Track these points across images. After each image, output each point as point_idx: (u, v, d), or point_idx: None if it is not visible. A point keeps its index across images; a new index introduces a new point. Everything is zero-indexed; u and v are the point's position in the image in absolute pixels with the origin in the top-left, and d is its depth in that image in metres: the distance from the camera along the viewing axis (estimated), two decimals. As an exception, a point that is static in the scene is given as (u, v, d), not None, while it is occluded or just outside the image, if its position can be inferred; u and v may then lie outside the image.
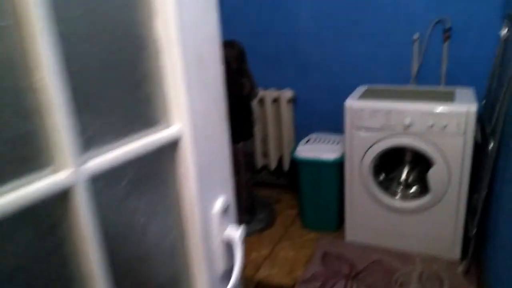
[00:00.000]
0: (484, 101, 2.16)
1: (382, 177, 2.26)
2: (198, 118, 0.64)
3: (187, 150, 0.63)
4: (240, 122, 2.32)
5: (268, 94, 2.68)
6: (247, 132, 2.39)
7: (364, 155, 2.09)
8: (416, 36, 2.30)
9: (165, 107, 0.61)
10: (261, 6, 2.64)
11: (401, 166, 2.33)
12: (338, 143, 2.41)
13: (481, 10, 2.14)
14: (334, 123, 2.55)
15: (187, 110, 0.61)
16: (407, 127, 1.96)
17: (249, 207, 2.49)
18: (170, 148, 0.62)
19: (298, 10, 2.55)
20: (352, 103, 2.07)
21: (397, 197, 2.19)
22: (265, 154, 2.85)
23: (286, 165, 2.83)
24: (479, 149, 1.96)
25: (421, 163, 2.15)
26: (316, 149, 2.37)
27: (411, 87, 2.35)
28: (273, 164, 2.83)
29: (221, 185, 0.73)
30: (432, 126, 1.92)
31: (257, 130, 2.77)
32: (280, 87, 2.73)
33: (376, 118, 2.01)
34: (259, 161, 2.87)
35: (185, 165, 0.64)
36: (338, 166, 2.26)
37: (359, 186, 2.16)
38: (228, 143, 0.74)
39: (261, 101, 2.73)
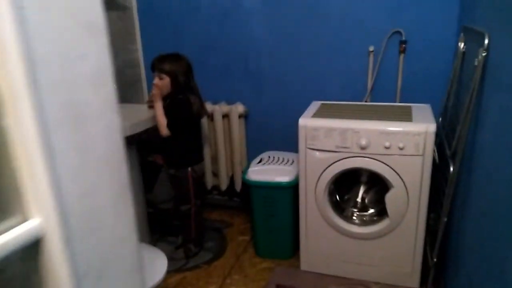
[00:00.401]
0: (440, 119, 2.07)
1: (337, 198, 2.11)
2: (75, 204, 0.42)
3: (55, 254, 0.41)
4: (190, 144, 2.09)
5: (218, 109, 2.47)
6: (198, 155, 2.17)
7: (319, 177, 1.92)
8: (371, 48, 2.18)
9: (16, 194, 0.39)
10: (210, 17, 2.44)
11: (357, 186, 2.19)
12: (292, 163, 2.24)
13: (437, 22, 2.05)
14: (288, 141, 2.38)
15: (52, 197, 0.39)
16: (363, 147, 1.82)
17: (198, 238, 2.25)
18: (28, 251, 0.40)
19: (250, 21, 2.37)
20: (306, 121, 1.91)
21: (353, 221, 2.05)
22: (216, 174, 2.63)
23: (238, 185, 2.62)
24: (436, 168, 1.85)
25: (378, 183, 2.02)
26: (269, 170, 2.19)
27: (366, 103, 2.23)
28: (224, 184, 2.62)
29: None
30: (389, 147, 1.79)
31: (207, 148, 2.55)
32: (231, 101, 2.53)
33: (331, 138, 1.85)
34: (209, 181, 2.65)
35: (54, 275, 0.41)
36: (292, 189, 2.09)
37: (314, 211, 2.00)
38: (134, 231, 0.52)
39: (211, 117, 2.51)
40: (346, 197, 2.17)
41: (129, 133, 2.03)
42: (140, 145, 2.23)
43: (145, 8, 2.58)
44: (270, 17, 2.32)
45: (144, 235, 2.38)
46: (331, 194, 2.01)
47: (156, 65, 1.96)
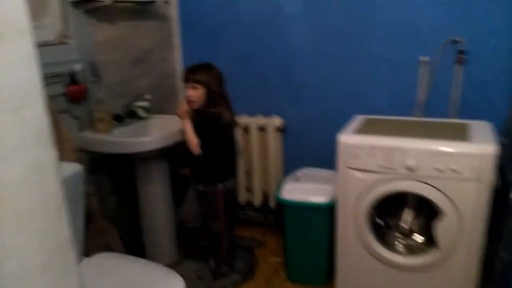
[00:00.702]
0: (502, 139, 1.82)
1: (380, 223, 1.90)
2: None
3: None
4: (221, 158, 1.98)
5: (254, 122, 2.35)
6: (230, 170, 2.04)
7: (359, 200, 1.74)
8: (424, 58, 1.98)
9: None
10: (250, 26, 2.35)
11: (402, 210, 1.97)
12: (330, 181, 2.07)
13: (502, 32, 1.82)
14: (327, 158, 2.19)
15: None
16: (411, 169, 1.62)
17: (228, 258, 2.13)
18: None
19: (291, 30, 2.25)
20: (347, 137, 1.74)
21: (397, 250, 1.83)
22: (249, 189, 2.51)
23: (273, 202, 2.48)
24: (497, 194, 1.61)
25: (426, 208, 1.80)
26: (305, 189, 2.03)
27: (416, 118, 2.02)
28: (258, 200, 2.49)
29: None
30: (441, 169, 1.57)
31: (241, 162, 2.44)
32: (268, 114, 2.41)
33: (375, 157, 1.67)
34: (242, 196, 2.53)
35: None
36: (329, 211, 1.92)
37: (353, 236, 1.81)
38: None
39: (246, 129, 2.40)
40: (389, 221, 1.96)
41: (161, 145, 1.97)
42: (171, 157, 2.16)
43: (186, 18, 2.53)
44: (313, 24, 2.19)
45: (172, 252, 2.30)
46: (372, 218, 1.81)
47: (189, 76, 1.88)
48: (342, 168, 1.75)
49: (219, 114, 1.86)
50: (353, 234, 1.81)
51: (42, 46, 1.76)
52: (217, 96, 1.87)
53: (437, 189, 1.60)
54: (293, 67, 2.30)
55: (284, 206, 2.03)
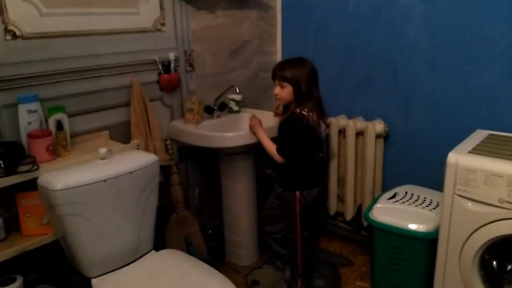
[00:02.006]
0: None
1: (492, 266, 1.49)
2: None
3: None
4: (302, 165, 1.76)
5: (352, 125, 2.08)
6: (310, 179, 1.81)
7: (468, 237, 1.37)
8: None
9: None
10: (357, 17, 2.07)
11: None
12: (436, 206, 1.71)
13: None
14: (436, 176, 1.81)
15: None
16: (548, 209, 1.20)
17: (305, 273, 1.91)
18: None
19: (404, 23, 1.91)
20: (459, 157, 1.38)
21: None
22: (341, 199, 2.25)
23: (366, 217, 2.18)
24: None
25: None
26: (402, 211, 1.71)
27: None
28: (349, 213, 2.21)
29: None
30: None
31: (333, 168, 2.19)
32: (369, 117, 2.11)
33: (495, 187, 1.28)
34: (333, 206, 2.27)
35: None
36: (430, 243, 1.57)
37: (456, 277, 1.44)
38: None
39: (342, 132, 2.14)
40: (508, 267, 1.52)
41: (245, 142, 1.85)
42: (258, 154, 2.02)
43: (288, 7, 2.36)
44: (431, 15, 1.81)
45: (251, 254, 2.18)
46: (483, 262, 1.42)
47: (277, 72, 1.71)
48: (448, 194, 1.40)
49: (303, 115, 1.66)
50: (456, 276, 1.44)
51: (138, 32, 1.78)
52: (305, 95, 1.67)
53: None
54: (404, 66, 1.95)
55: (373, 229, 1.73)
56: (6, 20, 1.38)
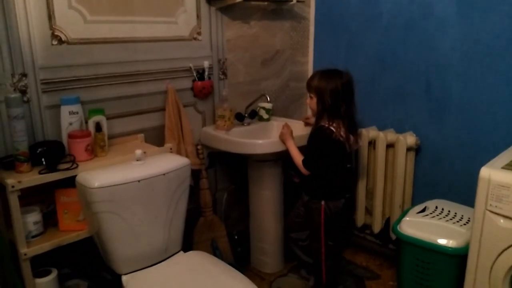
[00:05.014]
0: None
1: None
2: None
3: None
4: (328, 176, 1.75)
5: (383, 137, 2.06)
6: (336, 190, 1.79)
7: (499, 255, 1.33)
8: None
9: None
10: (390, 29, 2.07)
11: None
12: (467, 222, 1.67)
13: None
14: (468, 191, 1.77)
15: None
16: None
17: (329, 284, 1.90)
18: None
19: (439, 34, 1.89)
20: (492, 172, 1.35)
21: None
22: (369, 211, 2.22)
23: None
24: None
25: None
26: (432, 225, 1.67)
27: None
28: (377, 226, 2.18)
29: None
30: None
31: (361, 180, 2.18)
32: (401, 129, 2.09)
33: (530, 204, 1.25)
34: (361, 218, 2.25)
35: None
36: (460, 259, 1.53)
37: (488, 298, 1.40)
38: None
39: (372, 144, 2.13)
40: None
41: (274, 149, 1.88)
42: (286, 161, 2.04)
43: (320, 18, 2.38)
44: (466, 27, 1.79)
45: (276, 262, 2.19)
46: (518, 282, 1.37)
47: (308, 82, 1.74)
48: (480, 210, 1.36)
49: (330, 131, 1.65)
50: (486, 296, 1.40)
51: (175, 40, 1.85)
52: (329, 109, 1.66)
53: None
54: (437, 78, 1.93)
55: (401, 241, 1.71)
56: (53, 26, 1.47)
